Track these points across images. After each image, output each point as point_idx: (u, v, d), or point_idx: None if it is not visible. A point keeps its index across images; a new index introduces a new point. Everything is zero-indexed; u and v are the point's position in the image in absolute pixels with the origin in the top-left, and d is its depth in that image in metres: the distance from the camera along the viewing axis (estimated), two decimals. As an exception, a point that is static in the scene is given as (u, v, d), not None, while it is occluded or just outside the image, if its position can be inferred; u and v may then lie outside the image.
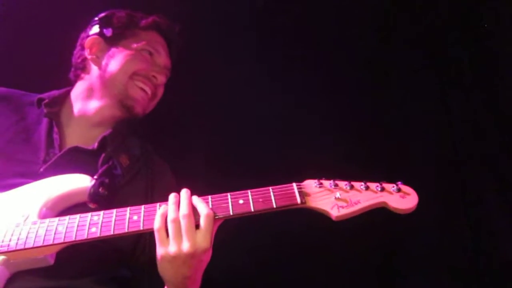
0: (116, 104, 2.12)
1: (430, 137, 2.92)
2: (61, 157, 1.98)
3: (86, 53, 2.20)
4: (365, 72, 2.93)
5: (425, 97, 2.98)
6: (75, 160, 1.98)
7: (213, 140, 2.71)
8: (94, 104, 2.14)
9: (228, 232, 1.77)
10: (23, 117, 2.10)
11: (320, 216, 1.71)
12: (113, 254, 1.97)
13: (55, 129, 2.05)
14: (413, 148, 2.85)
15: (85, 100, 2.16)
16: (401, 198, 1.69)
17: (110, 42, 2.18)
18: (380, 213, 1.71)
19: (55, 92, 2.19)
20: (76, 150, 2.01)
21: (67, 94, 2.20)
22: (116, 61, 2.13)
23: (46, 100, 2.12)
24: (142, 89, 2.15)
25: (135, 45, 2.17)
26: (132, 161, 2.08)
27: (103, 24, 2.20)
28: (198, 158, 2.62)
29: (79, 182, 1.89)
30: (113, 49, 2.16)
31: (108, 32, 2.18)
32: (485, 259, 2.77)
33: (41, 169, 1.93)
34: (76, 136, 2.10)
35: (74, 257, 1.81)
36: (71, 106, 2.16)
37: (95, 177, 1.89)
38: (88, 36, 2.22)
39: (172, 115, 2.68)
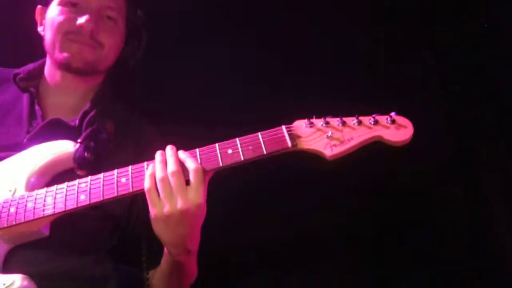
0: (58, 67, 2.03)
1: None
2: (43, 127, 1.93)
3: (38, 25, 2.12)
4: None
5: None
6: (58, 131, 1.92)
7: (197, 93, 2.61)
8: (56, 73, 2.07)
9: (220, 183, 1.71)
10: (3, 93, 2.06)
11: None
12: (108, 222, 1.92)
13: (36, 102, 2.01)
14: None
15: (52, 71, 2.09)
16: (396, 130, 1.60)
17: (46, 6, 2.07)
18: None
19: (30, 66, 2.12)
20: (58, 122, 1.97)
21: (43, 66, 2.13)
22: (47, 27, 2.03)
23: (21, 75, 2.07)
24: (72, 43, 1.97)
25: (56, 2, 2.02)
26: (118, 127, 2.01)
27: None
28: (184, 113, 2.54)
29: (63, 147, 1.84)
30: (46, 14, 2.05)
31: None
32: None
33: (25, 140, 1.90)
34: (58, 107, 2.04)
35: (70, 230, 1.77)
36: (46, 78, 2.10)
37: (79, 140, 1.84)
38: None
39: (154, 75, 2.57)
